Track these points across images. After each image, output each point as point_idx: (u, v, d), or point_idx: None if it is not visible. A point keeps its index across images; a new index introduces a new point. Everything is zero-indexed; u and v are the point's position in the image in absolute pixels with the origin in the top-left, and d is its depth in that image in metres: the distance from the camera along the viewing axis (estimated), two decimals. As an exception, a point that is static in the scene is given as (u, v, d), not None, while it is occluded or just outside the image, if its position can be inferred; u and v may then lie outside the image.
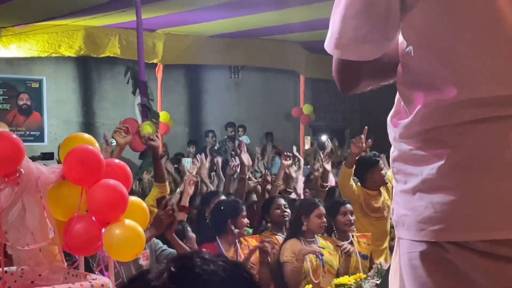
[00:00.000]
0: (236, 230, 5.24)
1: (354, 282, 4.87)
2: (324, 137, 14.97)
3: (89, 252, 3.51)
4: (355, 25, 1.70)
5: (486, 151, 1.63)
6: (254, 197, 7.08)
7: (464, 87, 1.64)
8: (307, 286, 4.86)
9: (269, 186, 6.88)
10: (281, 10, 9.72)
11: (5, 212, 3.14)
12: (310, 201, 5.93)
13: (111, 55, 11.32)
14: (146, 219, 3.70)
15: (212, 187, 7.03)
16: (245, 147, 6.56)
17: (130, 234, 3.39)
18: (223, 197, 5.99)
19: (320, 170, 7.18)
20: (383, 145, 1.88)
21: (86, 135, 3.73)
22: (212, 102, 15.04)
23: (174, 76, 14.09)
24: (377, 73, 1.84)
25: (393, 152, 1.82)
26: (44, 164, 3.54)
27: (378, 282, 4.76)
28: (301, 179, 7.57)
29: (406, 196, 1.75)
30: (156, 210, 4.91)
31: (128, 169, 3.68)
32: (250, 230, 6.03)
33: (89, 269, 3.60)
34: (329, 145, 7.93)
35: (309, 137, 13.77)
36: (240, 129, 14.42)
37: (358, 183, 6.37)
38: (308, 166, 10.10)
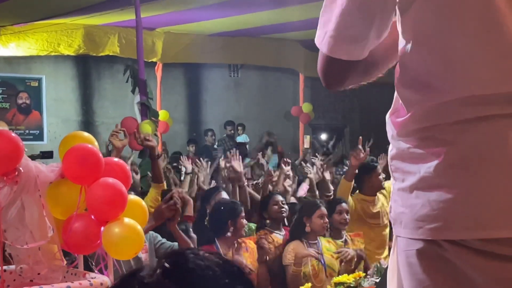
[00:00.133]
0: (235, 231, 5.24)
1: (353, 281, 4.87)
2: (323, 136, 14.98)
3: (88, 251, 3.51)
4: (349, 23, 1.70)
5: (483, 149, 1.63)
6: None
7: (462, 85, 1.64)
8: (306, 284, 4.86)
9: (270, 186, 6.88)
10: (281, 8, 9.71)
11: (4, 210, 3.15)
12: (312, 202, 5.96)
13: (110, 54, 11.31)
14: (146, 218, 3.70)
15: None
16: (237, 155, 6.51)
17: (129, 232, 3.39)
18: (223, 193, 5.96)
19: (317, 177, 7.14)
20: (382, 144, 1.88)
21: (85, 134, 3.73)
22: (211, 100, 15.04)
23: (173, 74, 14.08)
24: (361, 71, 1.84)
25: (391, 150, 1.82)
26: (43, 163, 3.54)
27: (377, 280, 4.76)
28: (305, 186, 7.56)
29: (404, 194, 1.75)
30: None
31: (127, 167, 3.69)
32: (253, 226, 6.02)
33: (88, 267, 3.60)
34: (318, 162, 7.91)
35: (308, 136, 13.76)
36: (239, 127, 14.42)
37: (356, 191, 6.39)
38: (308, 164, 10.09)
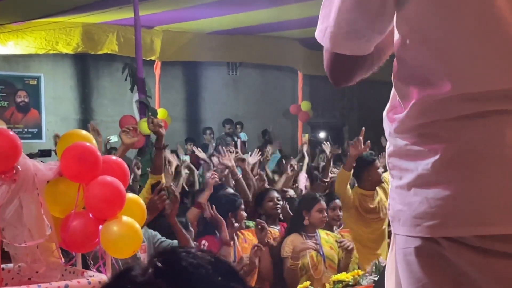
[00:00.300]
0: (236, 224, 5.26)
1: (352, 279, 4.87)
2: (322, 135, 14.98)
3: (86, 249, 3.51)
4: (351, 19, 1.70)
5: (481, 146, 1.63)
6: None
7: (459, 81, 1.64)
8: (305, 282, 4.86)
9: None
10: (279, 7, 9.71)
11: (2, 209, 3.14)
12: (311, 195, 5.96)
13: (109, 52, 11.30)
14: (144, 216, 3.70)
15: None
16: (227, 152, 6.55)
17: (127, 230, 3.39)
18: (230, 190, 5.96)
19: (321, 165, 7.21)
20: (381, 142, 1.88)
21: (84, 132, 3.73)
22: (210, 99, 15.03)
23: (172, 73, 14.07)
24: (367, 65, 1.83)
25: (388, 148, 1.82)
26: (41, 161, 3.54)
27: (376, 278, 4.76)
28: (303, 177, 7.58)
29: (402, 191, 1.75)
30: None
31: (126, 165, 3.69)
32: (251, 224, 6.03)
33: (86, 266, 3.60)
34: (327, 149, 7.93)
35: (306, 135, 13.76)
36: (237, 126, 14.42)
37: (355, 185, 6.39)
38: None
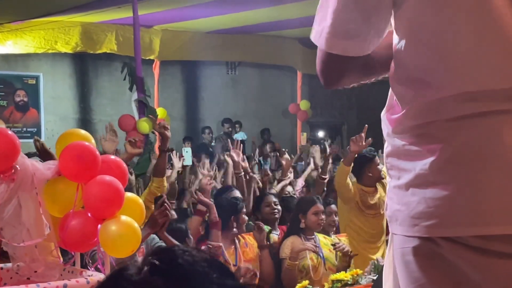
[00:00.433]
0: (238, 227, 5.26)
1: (351, 278, 4.87)
2: (321, 134, 14.97)
3: (85, 249, 3.51)
4: (347, 19, 1.69)
5: (479, 146, 1.63)
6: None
7: (456, 81, 1.64)
8: (304, 282, 4.86)
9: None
10: (278, 6, 9.71)
11: (0, 208, 3.14)
12: (308, 198, 5.97)
13: (108, 51, 11.29)
14: (142, 215, 3.70)
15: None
16: (237, 145, 6.54)
17: (126, 230, 3.39)
18: (236, 192, 5.94)
19: (320, 165, 7.20)
20: (380, 141, 1.87)
21: (82, 131, 3.73)
22: (209, 98, 15.03)
23: (171, 72, 14.07)
24: (360, 69, 1.83)
25: (386, 148, 1.82)
26: (40, 161, 3.54)
27: (375, 278, 4.76)
28: (301, 182, 7.59)
29: (400, 191, 1.75)
30: (153, 206, 4.90)
31: (124, 165, 3.69)
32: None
33: (85, 265, 3.60)
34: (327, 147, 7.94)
35: (305, 134, 13.75)
36: (236, 125, 14.42)
37: (354, 179, 6.38)
38: (303, 162, 10.10)
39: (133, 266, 1.13)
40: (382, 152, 1.86)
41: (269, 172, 7.20)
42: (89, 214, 3.38)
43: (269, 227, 5.67)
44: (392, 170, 1.79)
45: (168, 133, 5.39)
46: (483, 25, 1.62)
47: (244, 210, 5.38)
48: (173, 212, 5.41)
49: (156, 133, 6.44)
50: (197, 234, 5.32)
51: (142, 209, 3.68)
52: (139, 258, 4.31)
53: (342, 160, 6.49)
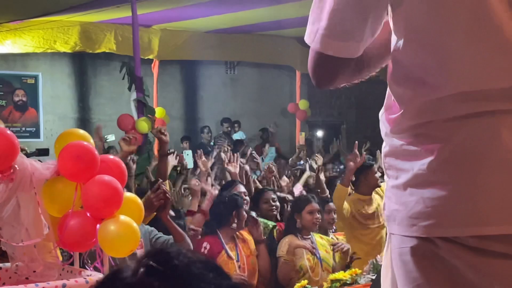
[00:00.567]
0: (238, 223, 5.26)
1: (350, 277, 4.88)
2: (320, 133, 14.96)
3: (84, 248, 3.51)
4: (343, 20, 1.69)
5: (476, 146, 1.63)
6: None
7: (454, 81, 1.64)
8: (303, 281, 4.86)
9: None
10: (277, 5, 9.70)
11: (-1, 208, 3.14)
12: (303, 197, 5.97)
13: (106, 51, 11.28)
14: (141, 215, 3.70)
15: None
16: (233, 157, 6.56)
17: (125, 230, 3.39)
18: (241, 187, 5.94)
19: (313, 179, 7.19)
20: (379, 141, 1.87)
21: (81, 131, 3.73)
22: (208, 97, 15.02)
23: (169, 71, 14.07)
24: (351, 70, 1.82)
25: (384, 148, 1.82)
26: (39, 160, 3.54)
27: (373, 277, 4.77)
28: (299, 187, 7.59)
29: (398, 191, 1.75)
30: None
31: (123, 165, 3.69)
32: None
33: (84, 265, 3.60)
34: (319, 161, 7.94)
35: (303, 133, 13.73)
36: (235, 125, 14.41)
37: (352, 190, 6.38)
38: (301, 162, 10.08)
39: (128, 268, 1.13)
40: (381, 152, 1.85)
41: (274, 169, 7.18)
42: (88, 214, 3.38)
43: (274, 223, 5.68)
44: (390, 170, 1.79)
45: (166, 138, 5.38)
46: (480, 25, 1.62)
47: (244, 206, 5.38)
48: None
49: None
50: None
51: (140, 209, 3.68)
52: (138, 251, 4.32)
53: (339, 181, 6.45)
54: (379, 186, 6.22)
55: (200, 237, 5.16)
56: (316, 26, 1.73)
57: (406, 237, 1.71)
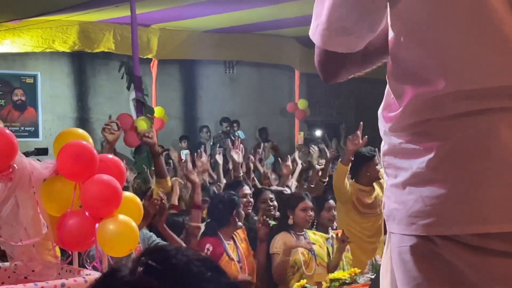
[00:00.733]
0: (239, 222, 5.27)
1: (349, 277, 4.88)
2: (319, 133, 14.96)
3: (83, 248, 3.51)
4: (342, 15, 1.69)
5: (475, 144, 1.62)
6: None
7: (452, 79, 1.63)
8: (302, 281, 4.86)
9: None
10: (276, 5, 9.70)
11: (-2, 207, 3.14)
12: (296, 194, 5.97)
13: (105, 50, 11.28)
14: (140, 215, 3.70)
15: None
16: (239, 144, 6.56)
17: (123, 229, 3.39)
18: (246, 188, 5.94)
19: (319, 167, 7.21)
20: (378, 140, 1.87)
21: (80, 130, 3.73)
22: (207, 97, 15.02)
23: (169, 71, 14.06)
24: (358, 62, 1.83)
25: (383, 146, 1.82)
26: (38, 160, 3.54)
27: (373, 277, 4.77)
28: (294, 182, 7.60)
29: (397, 190, 1.74)
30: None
31: (122, 164, 3.69)
32: None
33: (83, 264, 3.60)
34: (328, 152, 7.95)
35: (302, 133, 13.74)
36: (234, 124, 14.41)
37: (352, 180, 6.38)
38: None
39: (125, 267, 1.12)
40: (379, 151, 1.85)
41: (269, 175, 7.21)
42: (87, 213, 3.38)
43: (273, 222, 5.69)
44: (389, 169, 1.79)
45: (152, 140, 5.38)
46: (478, 23, 1.61)
47: (241, 204, 5.39)
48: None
49: (154, 131, 6.43)
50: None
51: (140, 208, 3.68)
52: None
53: (340, 160, 6.49)
54: (380, 179, 6.20)
55: (201, 233, 5.18)
56: (317, 22, 1.74)
57: (405, 236, 1.71)
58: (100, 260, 3.46)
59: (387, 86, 1.79)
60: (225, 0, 9.44)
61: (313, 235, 5.65)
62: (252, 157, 7.28)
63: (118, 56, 11.23)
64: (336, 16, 1.69)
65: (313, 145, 8.65)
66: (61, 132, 3.73)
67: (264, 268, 5.42)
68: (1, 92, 12.59)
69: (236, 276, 5.05)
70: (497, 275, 1.63)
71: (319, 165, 7.23)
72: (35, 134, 12.77)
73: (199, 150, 7.20)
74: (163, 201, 4.48)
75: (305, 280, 4.88)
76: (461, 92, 1.62)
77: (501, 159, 1.61)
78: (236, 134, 13.63)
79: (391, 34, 1.74)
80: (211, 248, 5.09)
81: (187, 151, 7.65)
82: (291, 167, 7.29)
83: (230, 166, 6.98)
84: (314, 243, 5.54)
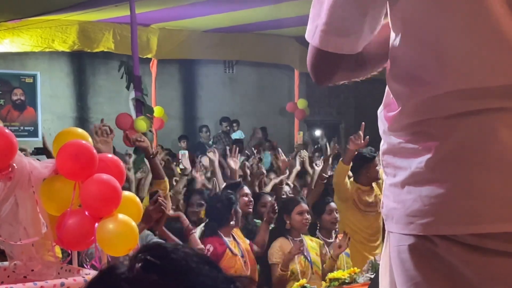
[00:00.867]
0: (236, 220, 5.29)
1: (349, 276, 4.88)
2: (318, 133, 14.96)
3: (82, 247, 3.51)
4: (343, 16, 1.69)
5: (474, 144, 1.62)
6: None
7: (452, 78, 1.63)
8: (302, 280, 4.86)
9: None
10: (276, 4, 9.70)
11: (-3, 207, 3.14)
12: (291, 198, 5.99)
13: (105, 50, 11.29)
14: (140, 214, 3.70)
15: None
16: (234, 151, 6.60)
17: (123, 228, 3.39)
18: (246, 188, 5.94)
19: (319, 167, 7.20)
20: (377, 140, 1.87)
21: (79, 130, 3.73)
22: (206, 97, 15.02)
23: (168, 71, 14.06)
24: (352, 67, 1.82)
25: (382, 145, 1.82)
26: (37, 159, 3.54)
27: (372, 276, 4.77)
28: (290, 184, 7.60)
29: (395, 189, 1.74)
30: None
31: (122, 163, 3.69)
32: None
33: (82, 264, 3.60)
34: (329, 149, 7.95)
35: (301, 132, 13.74)
36: (234, 124, 14.40)
37: (351, 179, 6.39)
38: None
39: (122, 265, 1.11)
40: (379, 150, 1.85)
41: (264, 171, 7.20)
42: (86, 213, 3.38)
43: (272, 224, 5.71)
44: (388, 168, 1.79)
45: (144, 143, 5.38)
46: (478, 22, 1.61)
47: (238, 203, 5.40)
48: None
49: (154, 131, 6.44)
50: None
51: (139, 207, 3.68)
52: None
53: (341, 159, 6.51)
54: (379, 179, 6.22)
55: (201, 234, 5.20)
56: (315, 24, 1.73)
57: (404, 235, 1.71)
58: (99, 259, 3.46)
59: (387, 85, 1.79)
60: (225, 0, 9.45)
61: (311, 242, 5.65)
62: (247, 163, 7.27)
63: (118, 56, 11.23)
64: (337, 16, 1.69)
65: (303, 150, 8.63)
66: (61, 131, 3.73)
67: (264, 246, 5.45)
68: (0, 92, 12.58)
69: (241, 273, 5.09)
70: (496, 275, 1.63)
71: (317, 166, 7.22)
72: (34, 133, 12.77)
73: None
74: (163, 207, 4.48)
75: (305, 280, 4.89)
76: (460, 91, 1.62)
77: (500, 159, 1.61)
78: (233, 136, 13.65)
79: (391, 34, 1.74)
80: (212, 248, 5.11)
81: (185, 151, 7.64)
82: (286, 160, 7.34)
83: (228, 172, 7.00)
84: (311, 249, 5.55)
